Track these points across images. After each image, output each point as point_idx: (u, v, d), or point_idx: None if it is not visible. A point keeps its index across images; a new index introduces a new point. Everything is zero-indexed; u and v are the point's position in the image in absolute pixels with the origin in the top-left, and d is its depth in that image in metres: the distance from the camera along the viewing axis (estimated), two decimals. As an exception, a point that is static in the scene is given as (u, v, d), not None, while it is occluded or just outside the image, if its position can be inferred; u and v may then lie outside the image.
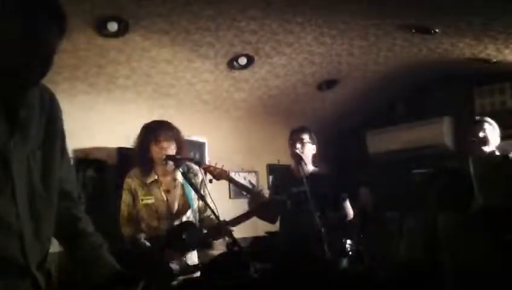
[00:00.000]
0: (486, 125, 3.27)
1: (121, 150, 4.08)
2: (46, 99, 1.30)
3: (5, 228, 1.13)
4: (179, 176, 2.81)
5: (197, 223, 2.85)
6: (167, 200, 2.78)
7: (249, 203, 3.46)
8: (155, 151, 2.73)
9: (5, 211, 1.13)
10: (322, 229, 2.90)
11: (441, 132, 5.38)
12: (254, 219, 3.40)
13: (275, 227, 3.62)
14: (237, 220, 2.88)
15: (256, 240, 4.56)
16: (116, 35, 3.39)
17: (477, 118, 3.48)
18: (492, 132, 3.27)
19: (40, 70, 1.17)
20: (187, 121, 3.80)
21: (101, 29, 3.28)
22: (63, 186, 1.36)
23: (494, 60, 4.52)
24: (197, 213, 2.87)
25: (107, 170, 4.05)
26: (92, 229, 1.44)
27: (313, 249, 3.00)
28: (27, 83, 1.17)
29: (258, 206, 3.20)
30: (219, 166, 3.11)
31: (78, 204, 1.46)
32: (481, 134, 3.22)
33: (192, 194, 2.80)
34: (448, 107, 5.44)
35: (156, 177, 2.80)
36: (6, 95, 1.14)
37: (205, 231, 2.87)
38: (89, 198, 3.85)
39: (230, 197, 5.05)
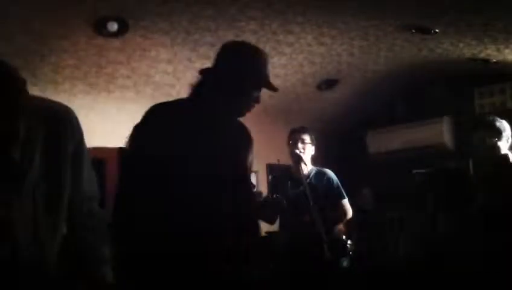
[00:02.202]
0: None
1: (121, 150, 4.08)
2: (52, 125, 1.29)
3: None
4: None
5: None
6: None
7: None
8: None
9: None
10: (322, 229, 2.90)
11: (441, 131, 5.37)
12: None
13: (275, 227, 3.62)
14: None
15: (256, 240, 4.56)
16: (116, 35, 3.39)
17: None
18: None
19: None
20: (187, 121, 3.80)
21: (101, 29, 3.28)
22: (79, 199, 1.39)
23: (494, 60, 4.52)
24: None
25: (107, 170, 4.04)
26: (94, 224, 1.45)
27: (312, 249, 3.00)
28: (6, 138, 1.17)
29: (257, 208, 3.18)
30: None
31: (92, 201, 1.47)
32: None
33: None
34: (448, 107, 5.43)
35: None
36: None
37: None
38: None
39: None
